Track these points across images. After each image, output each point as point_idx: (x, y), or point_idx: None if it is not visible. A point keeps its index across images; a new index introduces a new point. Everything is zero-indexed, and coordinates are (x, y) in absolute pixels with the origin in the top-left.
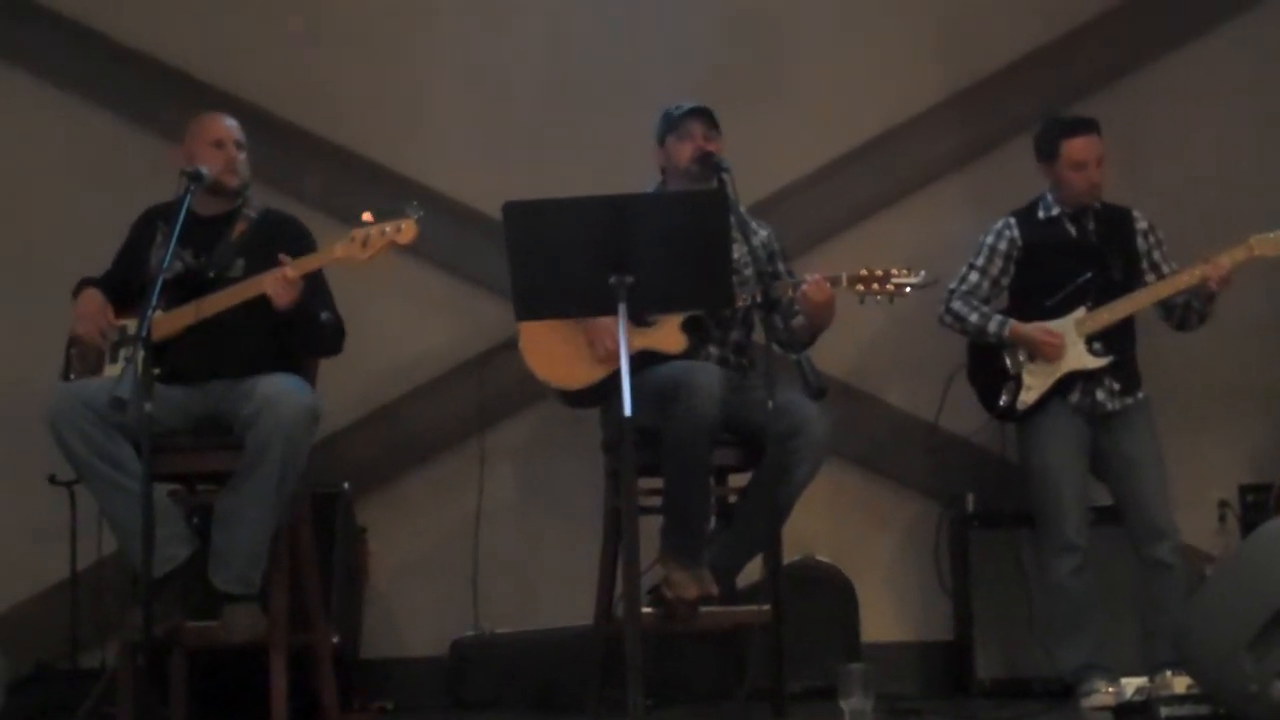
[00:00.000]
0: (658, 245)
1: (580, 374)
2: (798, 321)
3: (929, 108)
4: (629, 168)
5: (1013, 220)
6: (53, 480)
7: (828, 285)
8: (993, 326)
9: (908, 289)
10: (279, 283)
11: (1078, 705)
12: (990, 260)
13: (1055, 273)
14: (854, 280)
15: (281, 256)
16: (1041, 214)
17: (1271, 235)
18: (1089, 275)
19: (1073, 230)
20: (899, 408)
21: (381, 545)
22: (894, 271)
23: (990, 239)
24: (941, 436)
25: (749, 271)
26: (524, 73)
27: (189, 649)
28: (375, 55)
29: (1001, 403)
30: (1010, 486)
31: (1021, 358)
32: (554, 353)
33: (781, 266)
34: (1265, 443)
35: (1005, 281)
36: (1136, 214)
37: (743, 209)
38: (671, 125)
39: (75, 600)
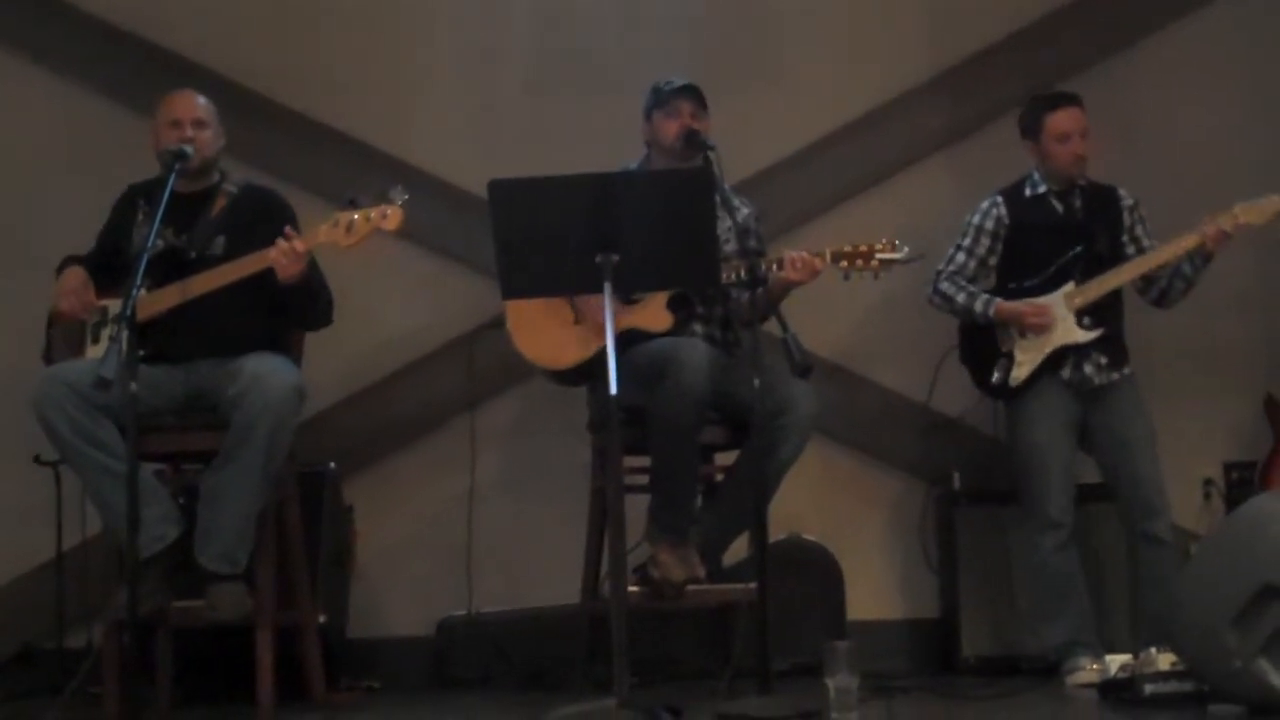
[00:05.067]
0: (643, 223)
1: (566, 353)
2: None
3: (915, 86)
4: (619, 148)
5: (999, 199)
6: (38, 460)
7: (814, 261)
8: (979, 306)
9: (892, 264)
10: (287, 254)
11: (1063, 682)
12: (977, 241)
13: (1042, 250)
14: (837, 256)
15: (288, 230)
16: (1028, 192)
17: (1256, 202)
18: (1078, 250)
19: (1059, 207)
20: (884, 386)
21: (368, 524)
22: (878, 247)
23: (977, 219)
24: (933, 417)
25: (730, 248)
26: (515, 53)
27: (175, 628)
28: (367, 36)
29: (994, 379)
30: (996, 465)
31: (1013, 334)
32: (540, 332)
33: (753, 244)
34: (1249, 420)
35: (993, 261)
36: (1122, 192)
37: (728, 187)
38: (660, 101)
39: (61, 580)
